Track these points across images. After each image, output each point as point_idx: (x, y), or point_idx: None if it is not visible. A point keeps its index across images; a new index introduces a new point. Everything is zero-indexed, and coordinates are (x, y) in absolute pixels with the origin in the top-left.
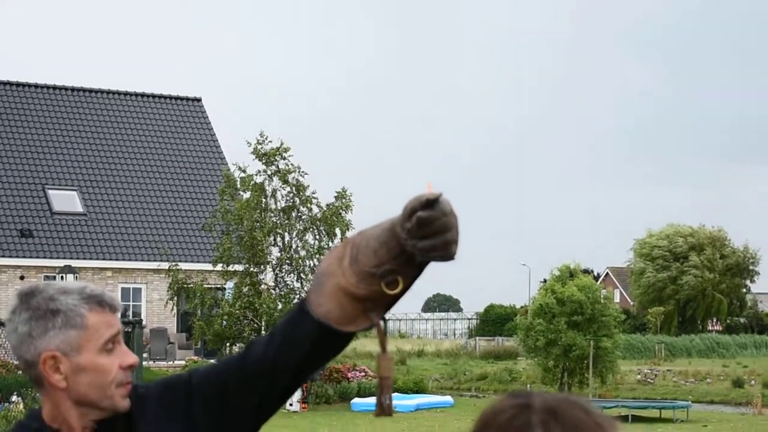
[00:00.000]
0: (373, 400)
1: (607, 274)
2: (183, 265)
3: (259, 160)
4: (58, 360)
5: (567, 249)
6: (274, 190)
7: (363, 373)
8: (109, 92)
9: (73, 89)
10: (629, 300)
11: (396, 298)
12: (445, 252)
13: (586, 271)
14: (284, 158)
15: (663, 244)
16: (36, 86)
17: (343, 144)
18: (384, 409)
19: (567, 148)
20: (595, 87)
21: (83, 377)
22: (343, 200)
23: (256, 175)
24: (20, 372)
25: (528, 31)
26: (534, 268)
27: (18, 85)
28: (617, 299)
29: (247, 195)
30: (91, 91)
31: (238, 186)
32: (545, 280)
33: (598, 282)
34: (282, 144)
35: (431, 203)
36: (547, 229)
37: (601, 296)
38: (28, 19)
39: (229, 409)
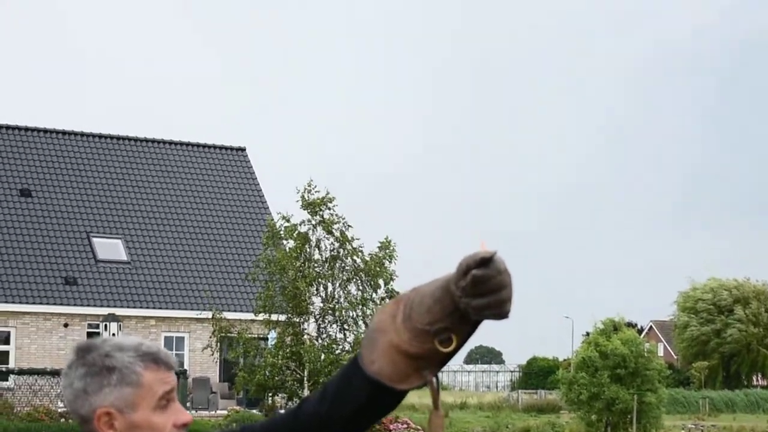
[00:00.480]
0: None
1: (651, 327)
2: (226, 314)
3: (305, 209)
4: (112, 417)
5: (611, 301)
6: (318, 240)
7: (405, 425)
8: (153, 141)
9: (118, 138)
10: (673, 354)
11: (449, 356)
12: (500, 310)
13: (630, 325)
14: (329, 208)
15: (707, 298)
16: (81, 135)
17: (389, 195)
18: None
19: (610, 201)
20: (640, 140)
21: None
22: (387, 250)
23: (300, 224)
24: (63, 420)
25: (579, 86)
26: (577, 320)
27: (63, 133)
28: (661, 353)
29: (290, 244)
30: (135, 140)
31: (282, 235)
32: (588, 333)
33: (642, 335)
34: (328, 194)
35: (486, 261)
36: (591, 282)
37: (645, 350)
38: (70, 68)
39: None
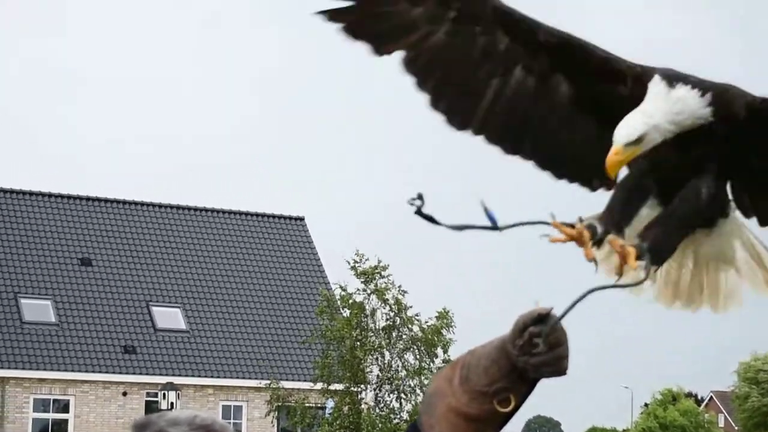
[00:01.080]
0: None
1: (711, 397)
2: (284, 383)
3: (358, 277)
4: None
5: (671, 371)
6: (374, 309)
7: None
8: (212, 210)
9: (177, 207)
10: (734, 425)
11: (509, 417)
12: (558, 367)
13: (690, 395)
14: (383, 276)
15: None
16: (141, 204)
17: (444, 262)
18: None
19: None
20: None
21: None
22: (445, 320)
23: (356, 293)
24: None
25: None
26: (636, 390)
27: (123, 203)
28: (721, 424)
29: (347, 313)
30: (195, 209)
31: (339, 304)
32: (647, 404)
33: (702, 405)
34: (380, 262)
35: (543, 318)
36: (650, 351)
37: (704, 421)
38: (130, 136)
39: None
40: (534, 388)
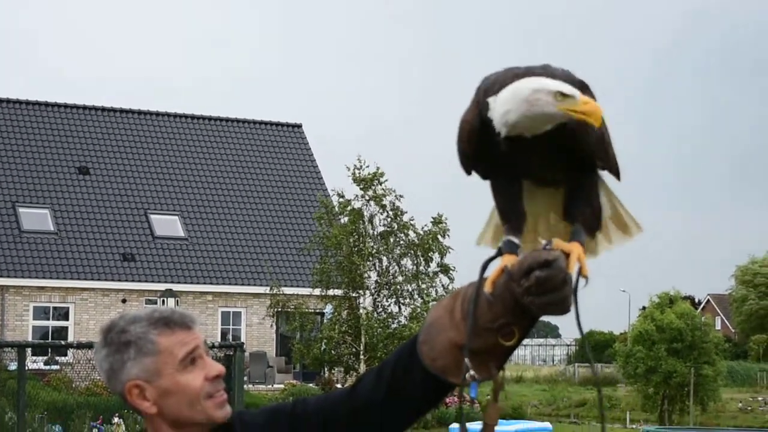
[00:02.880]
0: (472, 425)
1: (708, 301)
2: (283, 289)
3: (357, 185)
4: (142, 388)
5: (667, 275)
6: (372, 215)
7: (468, 403)
8: (210, 118)
9: (175, 115)
10: (731, 328)
11: (512, 349)
12: (562, 307)
13: (687, 298)
14: (380, 182)
15: (766, 271)
16: (139, 113)
17: (442, 168)
18: None
19: (667, 172)
20: (687, 106)
21: (171, 399)
22: (440, 226)
23: (354, 200)
24: None
25: (626, 41)
26: (634, 294)
27: (121, 111)
28: (718, 326)
29: (345, 220)
30: (192, 117)
31: (336, 210)
32: (644, 308)
33: (699, 309)
34: (378, 169)
35: (549, 263)
36: (648, 255)
37: (701, 323)
38: (128, 46)
39: None
40: (536, 321)
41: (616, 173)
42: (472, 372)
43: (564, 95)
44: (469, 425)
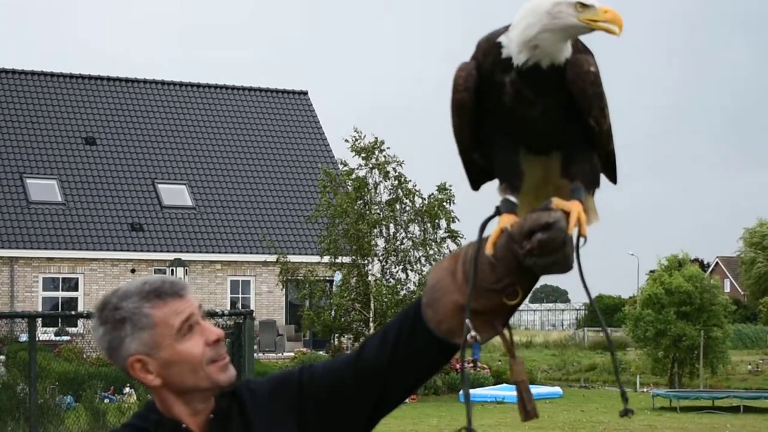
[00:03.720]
0: (481, 391)
1: (717, 263)
2: (291, 257)
3: (357, 155)
4: (144, 362)
5: (676, 238)
6: (377, 183)
7: (471, 365)
8: (216, 87)
9: (181, 84)
10: (740, 290)
11: (516, 307)
12: (565, 265)
13: (696, 261)
14: (381, 150)
15: None
16: (144, 82)
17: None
18: (528, 413)
19: (677, 135)
20: (707, 71)
21: (174, 369)
22: (445, 192)
23: (358, 168)
24: None
25: (639, 6)
26: (642, 257)
27: (127, 81)
28: (727, 289)
29: (349, 188)
30: (198, 86)
31: (341, 179)
32: (653, 271)
33: (708, 272)
34: (377, 138)
35: (550, 225)
36: (656, 218)
37: (709, 286)
38: (134, 14)
39: (341, 408)
40: (539, 279)
41: (610, 157)
42: (473, 333)
43: (584, 5)
44: (484, 390)
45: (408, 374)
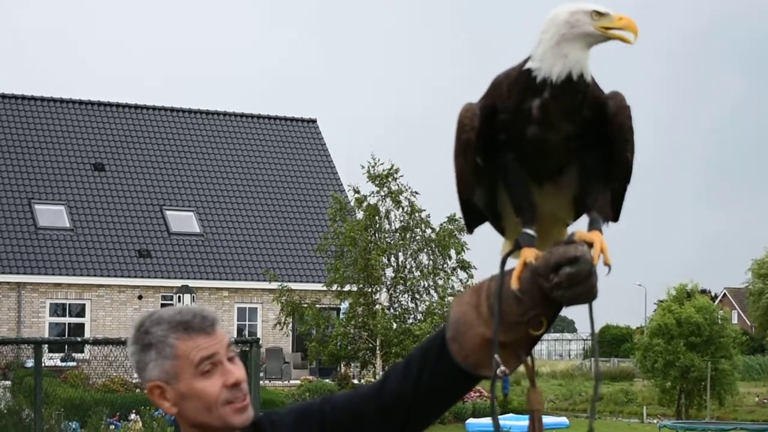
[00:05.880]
0: (487, 420)
1: (725, 294)
2: (298, 286)
3: (372, 182)
4: (163, 389)
5: (683, 269)
6: (388, 211)
7: (478, 394)
8: (225, 114)
9: (189, 111)
10: (747, 321)
11: (540, 337)
12: (590, 296)
13: (704, 292)
14: (395, 179)
15: None
16: (153, 108)
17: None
18: None
19: (683, 166)
20: (709, 102)
21: (188, 403)
22: (456, 223)
23: (370, 196)
24: (138, 390)
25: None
26: (650, 288)
27: (136, 107)
28: (735, 320)
29: (360, 216)
30: (207, 113)
31: (352, 205)
32: (661, 301)
33: (716, 302)
34: (393, 166)
35: (575, 260)
36: (663, 249)
37: (719, 317)
38: (143, 41)
39: None
40: (562, 308)
41: (622, 194)
42: (503, 368)
43: (600, 14)
44: (490, 420)
45: (431, 405)
